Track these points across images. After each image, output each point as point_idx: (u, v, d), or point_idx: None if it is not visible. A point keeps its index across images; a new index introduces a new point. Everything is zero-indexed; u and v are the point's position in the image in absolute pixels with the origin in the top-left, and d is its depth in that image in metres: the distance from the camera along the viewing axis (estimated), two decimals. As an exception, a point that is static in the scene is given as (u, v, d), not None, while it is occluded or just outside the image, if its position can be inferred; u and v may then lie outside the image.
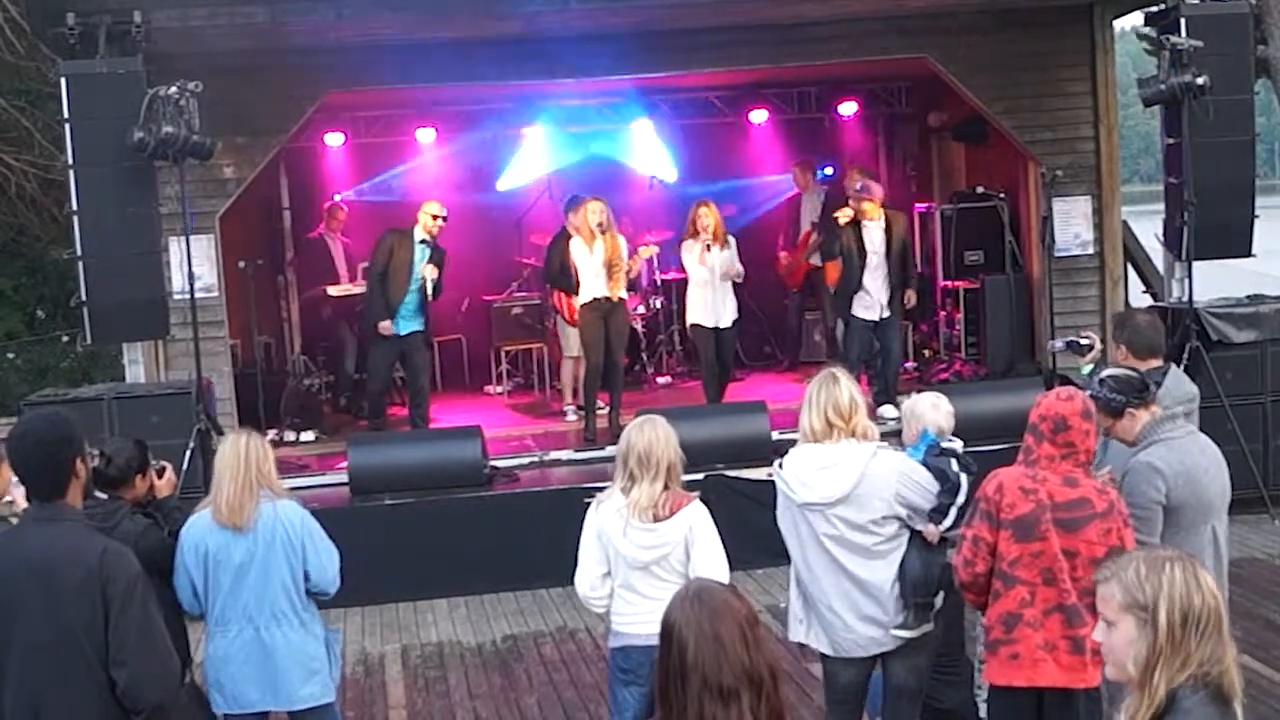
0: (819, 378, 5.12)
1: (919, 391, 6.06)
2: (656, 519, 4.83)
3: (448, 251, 10.86)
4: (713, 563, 4.85)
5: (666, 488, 4.85)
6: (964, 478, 5.10)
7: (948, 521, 5.03)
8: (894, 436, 5.91)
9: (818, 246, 12.61)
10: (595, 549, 4.98)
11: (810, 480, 4.97)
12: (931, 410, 5.46)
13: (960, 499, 5.03)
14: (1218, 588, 2.77)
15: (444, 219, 10.67)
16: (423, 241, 10.58)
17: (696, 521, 4.88)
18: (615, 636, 5.04)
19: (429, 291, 10.60)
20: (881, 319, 10.58)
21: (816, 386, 5.07)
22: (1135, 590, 2.74)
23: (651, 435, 4.86)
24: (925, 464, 5.13)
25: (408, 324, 10.62)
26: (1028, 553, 4.54)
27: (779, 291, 13.53)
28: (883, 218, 10.58)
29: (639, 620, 4.86)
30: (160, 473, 5.37)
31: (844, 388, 5.02)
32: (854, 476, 4.89)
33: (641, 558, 4.85)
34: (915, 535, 5.04)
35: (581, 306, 10.54)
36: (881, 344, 10.71)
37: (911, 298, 10.82)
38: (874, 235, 10.54)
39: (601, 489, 5.16)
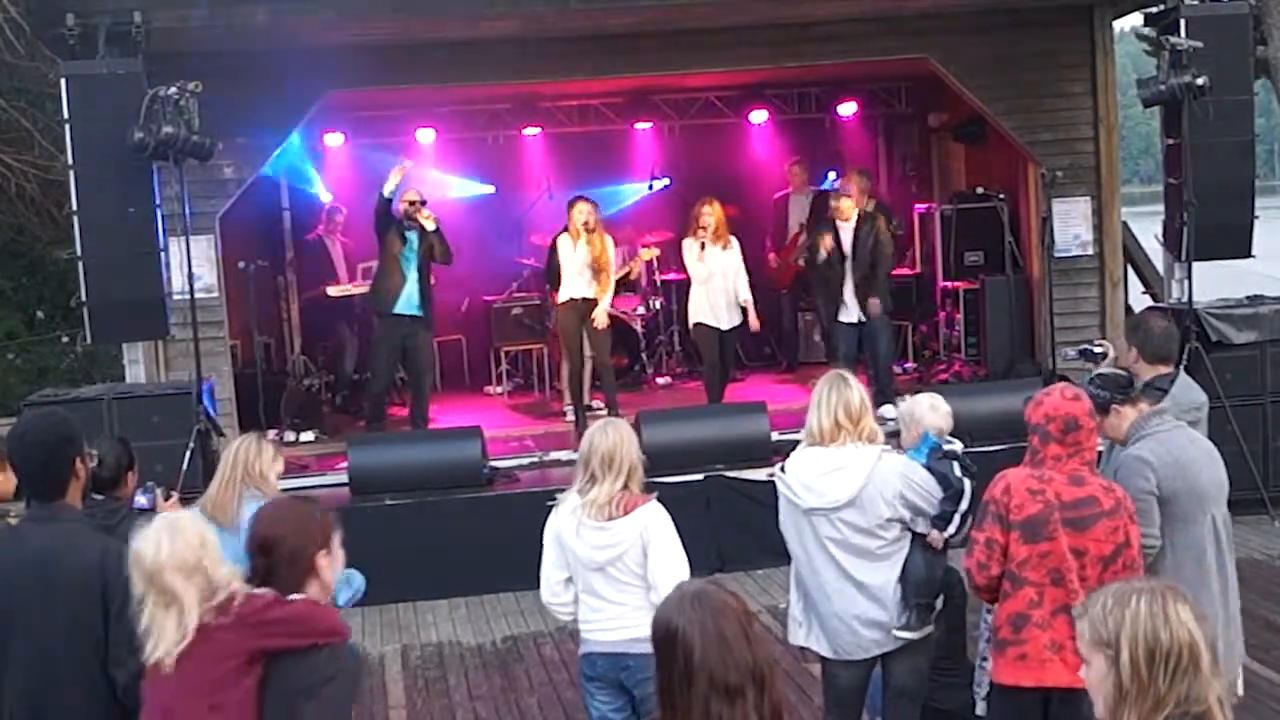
0: (827, 378, 5.09)
1: (917, 393, 6.06)
2: (610, 518, 4.76)
3: (439, 218, 10.77)
4: (670, 564, 4.72)
5: (626, 488, 4.79)
6: (967, 483, 5.09)
7: (951, 529, 5.02)
8: (893, 437, 5.90)
9: (806, 248, 12.62)
10: (554, 553, 4.92)
11: (815, 485, 4.95)
12: (930, 412, 5.46)
13: (964, 505, 5.02)
14: (1197, 618, 2.59)
15: (422, 201, 10.62)
16: (409, 229, 10.55)
17: (652, 522, 4.77)
18: (582, 643, 4.99)
19: (434, 253, 10.53)
20: (860, 321, 10.53)
21: (826, 387, 5.04)
22: (1100, 625, 2.60)
23: (615, 437, 4.82)
24: (928, 467, 5.12)
25: (407, 306, 10.54)
26: (1036, 553, 4.53)
27: (775, 292, 13.53)
28: (854, 218, 10.55)
29: (602, 627, 4.83)
30: (167, 496, 5.42)
31: (854, 389, 5.01)
32: (860, 481, 4.88)
33: (595, 558, 4.79)
34: (918, 537, 5.03)
35: (560, 305, 10.58)
36: (867, 346, 10.65)
37: (875, 306, 10.42)
38: (846, 238, 10.55)
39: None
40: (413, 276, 10.51)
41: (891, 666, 5.07)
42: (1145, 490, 4.76)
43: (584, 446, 4.90)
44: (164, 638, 3.44)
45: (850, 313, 10.58)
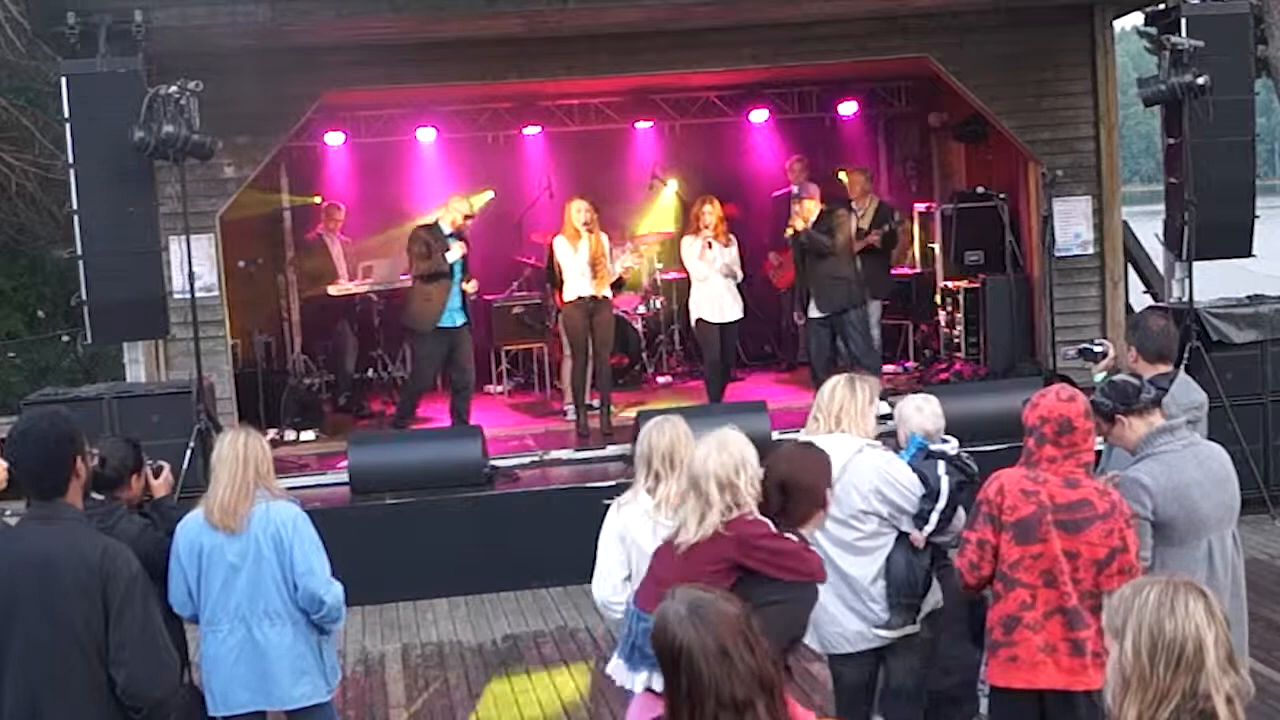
0: (834, 378, 5.19)
1: (913, 393, 6.07)
2: None
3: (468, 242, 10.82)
4: None
5: None
6: (945, 481, 5.09)
7: (929, 527, 5.04)
8: (887, 436, 5.91)
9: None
10: (617, 552, 4.86)
11: None
12: (915, 413, 5.45)
13: (940, 503, 5.04)
14: (1208, 614, 2.54)
15: (471, 217, 10.60)
16: (451, 235, 10.47)
17: None
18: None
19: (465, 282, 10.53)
20: (825, 316, 10.57)
21: (825, 385, 5.14)
22: (1113, 614, 2.60)
23: (673, 434, 4.83)
24: (912, 467, 5.13)
25: (455, 316, 10.51)
26: (1028, 555, 4.52)
27: (775, 292, 13.52)
28: (816, 215, 10.57)
29: None
30: (157, 472, 5.36)
31: (832, 384, 5.06)
32: (835, 470, 4.91)
33: None
34: (903, 536, 5.04)
35: (566, 304, 10.60)
36: (842, 342, 10.69)
37: (796, 224, 10.49)
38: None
39: (601, 488, 5.14)
40: (456, 290, 10.47)
41: (889, 666, 5.07)
42: (1139, 515, 4.68)
43: (641, 445, 4.88)
44: (687, 529, 4.14)
45: (813, 309, 10.66)
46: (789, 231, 10.75)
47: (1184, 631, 2.50)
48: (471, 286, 10.51)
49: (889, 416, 5.87)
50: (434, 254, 10.31)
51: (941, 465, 5.15)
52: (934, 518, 5.03)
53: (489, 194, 11.40)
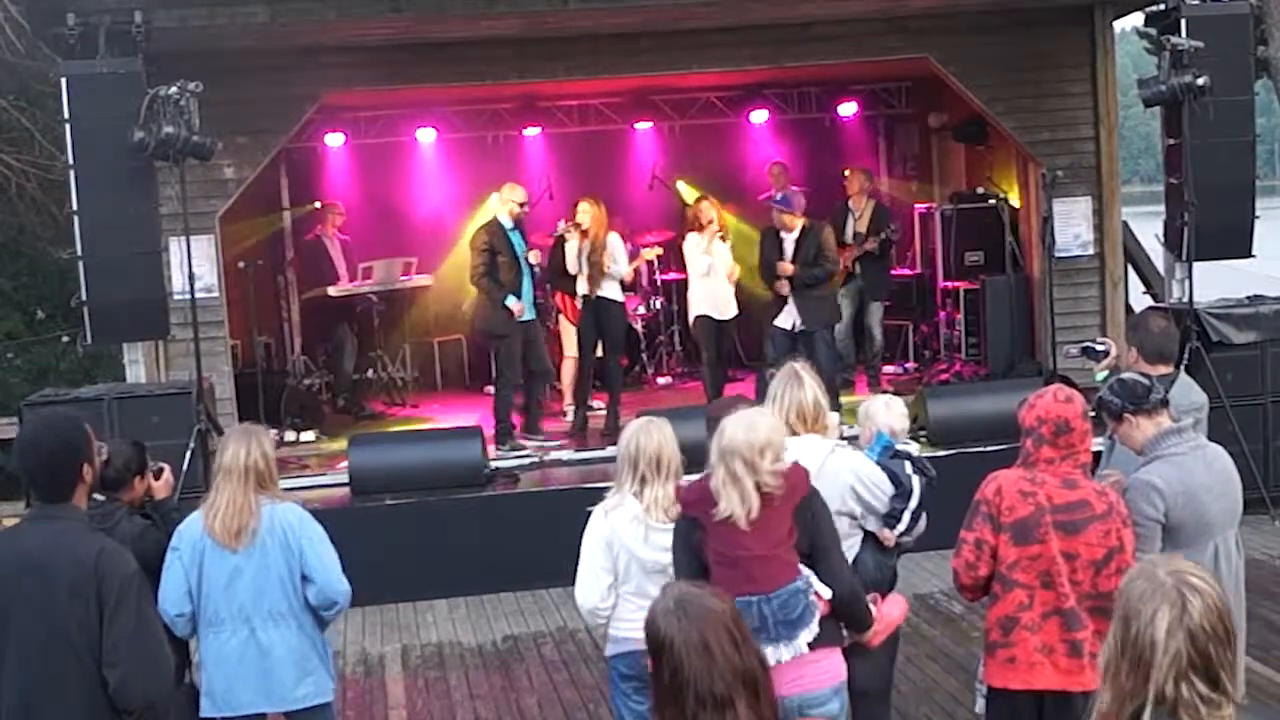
0: (782, 374, 5.05)
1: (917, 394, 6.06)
2: (675, 519, 4.71)
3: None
4: None
5: (678, 487, 4.78)
6: (916, 480, 5.08)
7: (901, 526, 5.01)
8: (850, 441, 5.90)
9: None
10: (603, 559, 4.82)
11: None
12: (884, 410, 5.42)
13: (913, 503, 5.01)
14: (1174, 625, 2.49)
15: (527, 205, 10.57)
16: (513, 229, 10.44)
17: None
18: (619, 643, 4.89)
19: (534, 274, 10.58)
20: (798, 330, 10.42)
21: (781, 385, 5.00)
22: (1117, 594, 2.62)
23: (660, 437, 4.79)
24: (880, 465, 5.12)
25: (529, 312, 10.54)
26: (1026, 556, 4.50)
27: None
28: (798, 230, 10.48)
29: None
30: (158, 474, 5.35)
31: (808, 388, 4.97)
32: (811, 472, 4.89)
33: (662, 560, 4.70)
34: (869, 537, 5.02)
35: (576, 304, 10.67)
36: (806, 356, 10.59)
37: (786, 269, 10.31)
38: (788, 248, 10.47)
39: (601, 489, 5.09)
40: (527, 282, 10.48)
41: (853, 667, 5.02)
42: (1151, 518, 4.67)
43: (628, 447, 4.82)
44: (731, 504, 4.27)
45: (786, 319, 10.50)
46: (782, 280, 10.41)
47: (1145, 637, 2.50)
48: (534, 257, 10.57)
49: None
50: (499, 264, 10.25)
51: (908, 465, 5.14)
52: (906, 517, 5.00)
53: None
